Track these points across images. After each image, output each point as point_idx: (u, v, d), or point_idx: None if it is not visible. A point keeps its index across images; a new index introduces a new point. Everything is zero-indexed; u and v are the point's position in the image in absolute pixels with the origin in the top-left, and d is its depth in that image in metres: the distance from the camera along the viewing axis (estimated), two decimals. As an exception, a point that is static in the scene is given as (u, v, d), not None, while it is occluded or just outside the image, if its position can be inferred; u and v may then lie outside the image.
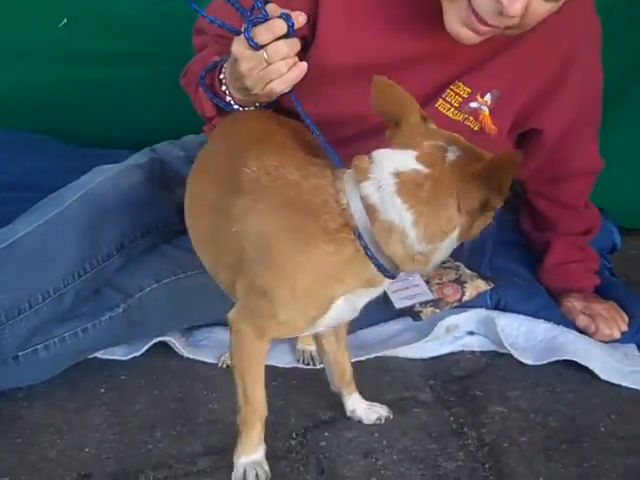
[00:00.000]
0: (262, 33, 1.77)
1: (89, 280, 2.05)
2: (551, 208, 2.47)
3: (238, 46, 1.82)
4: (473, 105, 2.10)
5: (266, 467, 1.74)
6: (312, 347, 2.14)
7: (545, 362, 2.22)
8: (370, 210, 1.58)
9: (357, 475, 1.79)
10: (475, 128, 2.12)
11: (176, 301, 2.13)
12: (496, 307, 2.39)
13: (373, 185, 1.59)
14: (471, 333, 2.34)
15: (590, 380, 2.19)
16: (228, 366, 2.03)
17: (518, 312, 2.37)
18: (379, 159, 1.62)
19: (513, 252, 2.57)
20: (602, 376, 2.19)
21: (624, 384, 2.18)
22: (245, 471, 1.72)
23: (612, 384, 2.18)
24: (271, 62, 1.80)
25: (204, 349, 2.21)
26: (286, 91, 1.86)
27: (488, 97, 2.10)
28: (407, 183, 1.57)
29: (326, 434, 1.92)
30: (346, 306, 1.69)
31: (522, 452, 1.90)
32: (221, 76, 1.98)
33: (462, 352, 2.31)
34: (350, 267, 1.62)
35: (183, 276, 2.14)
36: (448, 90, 2.09)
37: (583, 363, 2.20)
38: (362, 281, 1.65)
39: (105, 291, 2.09)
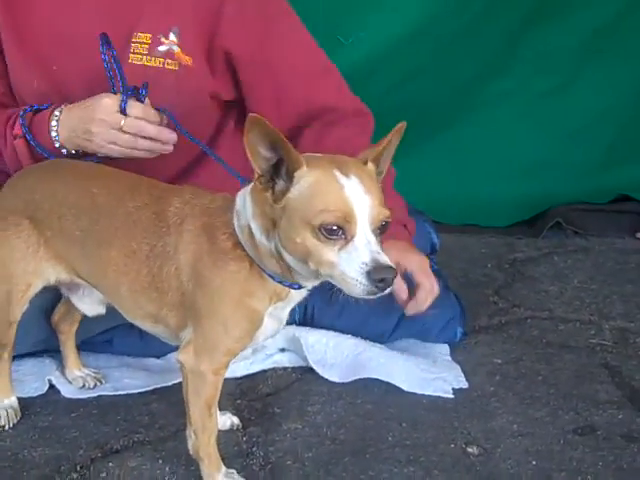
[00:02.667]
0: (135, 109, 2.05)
1: None
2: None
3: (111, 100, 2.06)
4: (163, 48, 2.18)
5: (241, 478, 1.86)
6: (85, 370, 2.26)
7: (349, 380, 2.26)
8: (242, 223, 1.69)
9: (130, 504, 1.82)
10: (176, 68, 2.19)
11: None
12: (305, 314, 2.41)
13: (241, 195, 1.71)
14: (283, 350, 2.38)
15: (394, 390, 2.24)
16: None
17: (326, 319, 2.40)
18: None
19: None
20: (405, 388, 2.24)
21: (426, 393, 2.23)
22: None
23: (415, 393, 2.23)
24: (125, 131, 2.05)
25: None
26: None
27: (172, 37, 2.18)
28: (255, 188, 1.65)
29: (110, 464, 1.94)
30: (271, 320, 1.79)
31: (304, 469, 1.94)
32: (53, 122, 2.12)
33: (274, 369, 2.35)
34: (254, 282, 1.72)
35: None
36: (132, 44, 2.18)
37: (385, 379, 2.25)
38: (270, 294, 1.74)
39: None
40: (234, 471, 1.87)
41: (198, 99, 2.24)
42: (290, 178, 1.59)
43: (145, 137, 2.09)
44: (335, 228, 1.55)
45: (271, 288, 1.73)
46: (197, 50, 2.20)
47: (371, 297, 1.57)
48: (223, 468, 1.86)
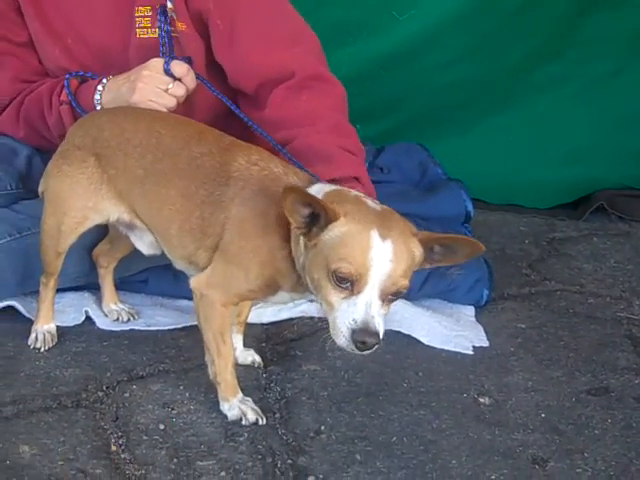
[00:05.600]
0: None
1: None
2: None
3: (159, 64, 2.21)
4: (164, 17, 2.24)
5: (255, 406, 1.95)
6: (120, 305, 2.36)
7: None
8: None
9: (148, 422, 1.91)
10: (177, 35, 2.27)
11: (15, 263, 2.27)
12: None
13: None
14: (311, 300, 2.44)
15: (414, 343, 2.30)
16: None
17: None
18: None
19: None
20: (426, 342, 2.30)
21: (446, 348, 2.28)
22: (240, 409, 1.92)
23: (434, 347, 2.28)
24: (170, 93, 2.21)
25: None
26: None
27: (169, 3, 2.24)
28: None
29: (135, 387, 2.05)
30: (287, 296, 1.93)
31: (317, 404, 2.01)
32: (99, 87, 2.27)
33: (301, 318, 2.43)
34: (287, 265, 1.82)
35: (19, 236, 2.27)
36: (136, 19, 2.27)
37: (406, 332, 2.31)
38: (294, 283, 1.84)
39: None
40: (250, 399, 1.95)
41: (199, 65, 2.29)
42: (326, 226, 1.68)
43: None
44: (345, 278, 1.64)
45: (297, 279, 1.82)
46: (185, 15, 2.27)
47: (349, 351, 1.67)
48: (239, 394, 1.94)
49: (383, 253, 1.64)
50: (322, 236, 1.68)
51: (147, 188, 2.00)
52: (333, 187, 1.83)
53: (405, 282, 1.66)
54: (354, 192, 1.83)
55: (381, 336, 1.65)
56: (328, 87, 2.31)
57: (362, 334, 1.63)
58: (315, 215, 1.69)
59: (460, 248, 1.73)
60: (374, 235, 1.65)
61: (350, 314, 1.64)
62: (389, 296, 1.66)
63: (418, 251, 1.71)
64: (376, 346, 1.65)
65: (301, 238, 1.76)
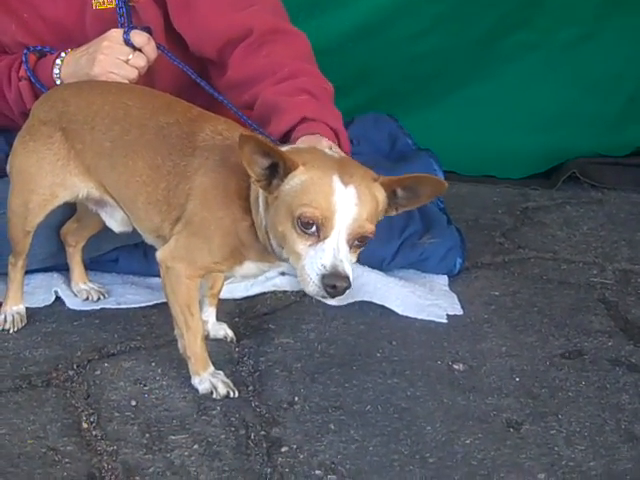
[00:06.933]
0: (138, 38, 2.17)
1: None
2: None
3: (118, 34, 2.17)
4: None
5: (226, 380, 1.92)
6: (90, 284, 2.33)
7: (345, 303, 2.29)
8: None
9: (119, 398, 1.89)
10: (133, 4, 2.23)
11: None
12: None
13: None
14: (283, 274, 2.43)
15: (388, 313, 2.28)
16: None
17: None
18: None
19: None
20: (399, 312, 2.28)
21: (420, 317, 2.27)
22: (211, 383, 1.90)
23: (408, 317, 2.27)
24: (131, 64, 2.17)
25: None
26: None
27: None
28: None
29: (106, 364, 2.02)
30: (255, 267, 1.89)
31: (290, 376, 2.00)
32: (57, 61, 2.22)
33: (274, 292, 2.41)
34: (250, 236, 1.80)
35: None
36: None
37: (379, 303, 2.29)
38: (260, 254, 1.83)
39: None
40: (221, 372, 1.94)
41: (158, 35, 2.25)
42: (286, 176, 1.67)
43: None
44: (311, 223, 1.61)
45: (262, 249, 1.81)
46: None
47: (319, 298, 1.65)
48: (210, 368, 1.92)
49: (347, 197, 1.63)
50: (282, 186, 1.67)
51: (115, 160, 1.97)
52: (287, 147, 1.82)
53: (371, 226, 1.65)
54: (306, 147, 1.82)
55: (351, 280, 1.62)
56: (289, 39, 2.24)
57: (332, 278, 1.61)
58: (274, 167, 1.67)
59: (422, 188, 1.71)
60: (336, 180, 1.64)
61: (318, 259, 1.62)
62: (356, 241, 1.65)
63: (381, 195, 1.69)
64: (347, 291, 1.63)
65: (261, 202, 1.75)
